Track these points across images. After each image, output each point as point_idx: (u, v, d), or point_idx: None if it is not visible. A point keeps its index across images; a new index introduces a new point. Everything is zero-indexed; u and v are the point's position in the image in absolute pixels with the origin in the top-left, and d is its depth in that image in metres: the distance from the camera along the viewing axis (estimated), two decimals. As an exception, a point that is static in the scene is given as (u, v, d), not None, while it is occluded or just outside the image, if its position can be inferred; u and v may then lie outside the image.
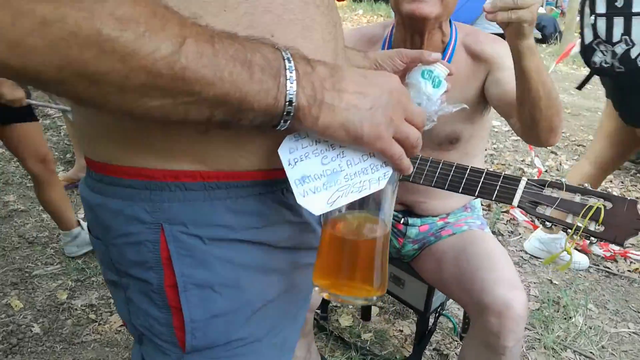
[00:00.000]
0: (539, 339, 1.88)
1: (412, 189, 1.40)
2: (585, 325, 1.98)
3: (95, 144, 0.57)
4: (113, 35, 0.38)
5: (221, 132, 0.52)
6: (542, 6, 11.62)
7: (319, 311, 1.88)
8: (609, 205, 0.96)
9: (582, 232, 0.96)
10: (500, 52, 1.27)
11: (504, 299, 1.18)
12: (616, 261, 2.45)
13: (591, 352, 1.83)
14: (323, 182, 0.53)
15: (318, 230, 0.68)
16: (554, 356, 1.80)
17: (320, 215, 0.65)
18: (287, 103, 0.47)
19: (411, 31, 1.22)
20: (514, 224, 2.71)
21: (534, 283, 2.22)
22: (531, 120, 1.11)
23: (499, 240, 2.43)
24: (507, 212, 2.80)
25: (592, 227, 0.95)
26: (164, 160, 0.53)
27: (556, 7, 11.83)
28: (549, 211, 1.01)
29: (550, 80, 1.07)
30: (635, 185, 3.38)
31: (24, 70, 0.37)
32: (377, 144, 0.52)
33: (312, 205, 0.52)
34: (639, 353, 1.87)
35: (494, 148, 3.73)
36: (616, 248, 2.52)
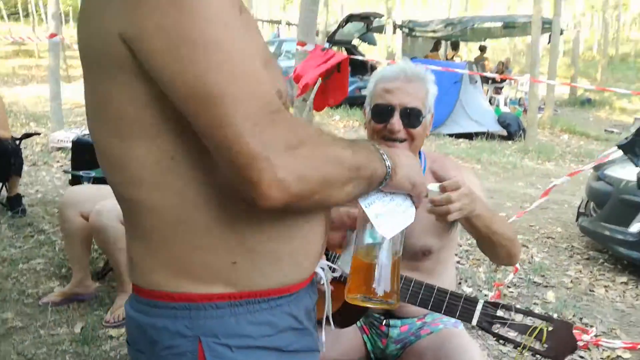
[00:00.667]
0: None
1: (391, 294, 1.58)
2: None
3: (151, 274, 0.76)
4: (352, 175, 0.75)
5: (245, 262, 0.73)
6: (506, 105, 12.49)
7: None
8: (551, 326, 1.16)
9: (528, 349, 1.14)
10: (466, 178, 1.52)
11: None
12: (589, 350, 2.60)
13: None
14: (389, 217, 0.87)
15: (314, 333, 0.87)
16: None
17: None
18: (388, 168, 0.80)
19: None
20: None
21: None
22: (490, 253, 1.35)
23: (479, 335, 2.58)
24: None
25: (537, 345, 1.14)
26: (202, 286, 0.73)
27: (519, 105, 12.71)
28: (502, 330, 1.21)
29: (501, 224, 1.31)
30: (603, 274, 3.60)
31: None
32: (416, 189, 0.88)
33: (385, 231, 0.87)
34: None
35: (469, 244, 3.96)
36: (587, 337, 2.67)
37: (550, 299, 3.11)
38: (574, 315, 2.92)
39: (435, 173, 1.53)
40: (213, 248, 0.73)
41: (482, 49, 13.87)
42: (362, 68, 10.92)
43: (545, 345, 1.12)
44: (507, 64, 13.56)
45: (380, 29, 15.00)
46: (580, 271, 3.64)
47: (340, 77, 3.67)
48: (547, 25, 10.06)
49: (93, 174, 3.09)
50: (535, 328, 1.13)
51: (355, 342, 1.66)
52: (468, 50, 21.98)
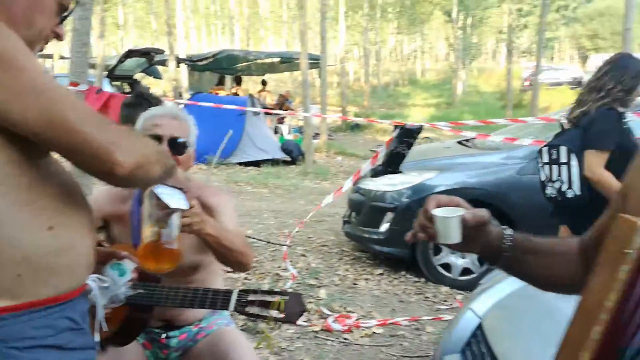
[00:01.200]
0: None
1: (168, 307, 1.82)
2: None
3: None
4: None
5: (28, 275, 0.92)
6: (289, 133, 13.60)
7: None
8: (286, 299, 1.54)
9: (272, 319, 1.51)
10: (221, 201, 1.84)
11: None
12: (352, 332, 3.16)
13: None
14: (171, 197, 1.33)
15: (89, 332, 1.09)
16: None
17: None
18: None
19: None
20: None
21: (290, 350, 2.76)
22: (221, 262, 1.71)
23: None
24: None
25: (277, 314, 1.51)
26: None
27: (300, 133, 13.91)
28: (253, 310, 1.55)
29: (232, 240, 1.64)
30: (365, 270, 4.32)
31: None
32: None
33: (170, 202, 1.36)
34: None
35: (256, 260, 4.36)
36: (350, 322, 3.25)
37: (322, 296, 3.66)
38: (340, 306, 3.50)
39: (199, 198, 1.84)
40: (1, 265, 0.91)
41: (264, 83, 14.94)
42: (148, 102, 10.85)
43: (283, 314, 1.49)
44: (286, 96, 14.78)
45: (164, 63, 15.03)
46: (348, 270, 4.32)
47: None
48: (316, 61, 11.38)
49: None
50: (275, 302, 1.49)
51: (137, 357, 1.85)
52: (253, 83, 23.27)
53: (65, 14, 1.08)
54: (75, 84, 3.80)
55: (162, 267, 1.49)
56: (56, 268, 0.98)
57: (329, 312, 3.36)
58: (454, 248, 0.92)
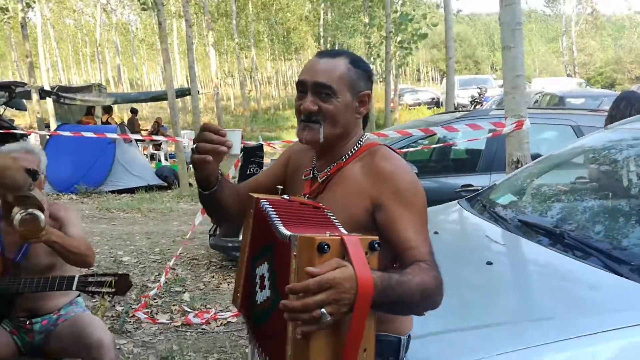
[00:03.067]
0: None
1: (30, 297, 2.19)
2: (186, 364, 3.03)
3: None
4: None
5: None
6: (167, 159, 13.72)
7: None
8: (116, 278, 2.02)
9: (105, 294, 1.98)
10: (68, 215, 2.27)
11: (99, 337, 2.10)
12: (209, 323, 3.65)
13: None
14: None
15: None
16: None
17: None
18: None
19: None
20: (139, 322, 3.66)
21: (152, 342, 3.18)
22: (67, 261, 2.14)
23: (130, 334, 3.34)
24: (133, 316, 3.74)
25: (110, 290, 1.98)
26: None
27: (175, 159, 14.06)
28: (91, 288, 2.01)
29: (75, 244, 2.08)
30: (229, 275, 4.82)
31: None
32: None
33: None
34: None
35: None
36: (208, 316, 3.73)
37: (186, 299, 4.11)
38: (201, 305, 3.97)
39: (50, 212, 2.26)
40: None
41: (133, 111, 14.99)
42: (12, 138, 10.47)
43: (114, 289, 1.98)
44: (160, 123, 14.90)
45: (27, 95, 14.44)
46: (213, 277, 4.80)
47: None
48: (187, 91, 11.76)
49: None
50: (108, 281, 1.97)
51: (5, 342, 2.20)
52: (126, 111, 22.84)
53: None
54: None
55: None
56: None
57: (189, 310, 3.83)
58: (201, 162, 1.27)
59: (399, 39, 12.18)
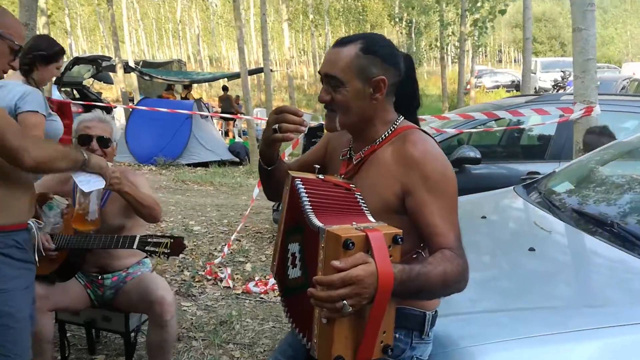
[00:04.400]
0: (212, 340, 3.04)
1: (102, 255, 2.44)
2: (243, 328, 3.23)
3: None
4: None
5: None
6: (240, 136, 14.20)
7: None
8: (172, 240, 2.19)
9: (162, 253, 2.16)
10: (139, 179, 2.49)
11: (161, 295, 2.31)
12: (267, 293, 3.84)
13: (243, 342, 3.07)
14: (86, 182, 1.87)
15: (30, 252, 1.76)
16: (220, 347, 2.98)
17: None
18: (85, 158, 1.81)
19: None
20: (203, 287, 3.92)
21: (214, 307, 3.41)
22: (139, 215, 2.34)
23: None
24: (199, 281, 4.01)
25: (165, 250, 2.16)
26: None
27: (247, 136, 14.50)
28: (149, 248, 2.19)
29: (145, 198, 2.28)
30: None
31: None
32: (103, 171, 1.92)
33: (84, 187, 1.89)
34: (274, 340, 3.17)
35: (194, 244, 4.99)
36: (267, 287, 3.93)
37: (248, 269, 4.33)
38: (262, 276, 4.17)
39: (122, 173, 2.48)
40: None
41: (225, 89, 15.55)
42: (97, 109, 11.25)
43: (169, 250, 2.15)
44: (237, 101, 15.39)
45: (113, 69, 15.38)
46: (274, 250, 5.00)
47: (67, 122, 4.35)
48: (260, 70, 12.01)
49: None
50: (164, 242, 2.15)
51: (80, 294, 2.47)
52: (209, 87, 23.74)
53: (17, 50, 1.72)
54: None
55: (86, 229, 2.18)
56: (6, 208, 1.65)
57: (251, 280, 4.04)
58: (280, 140, 1.37)
59: (475, 16, 11.71)
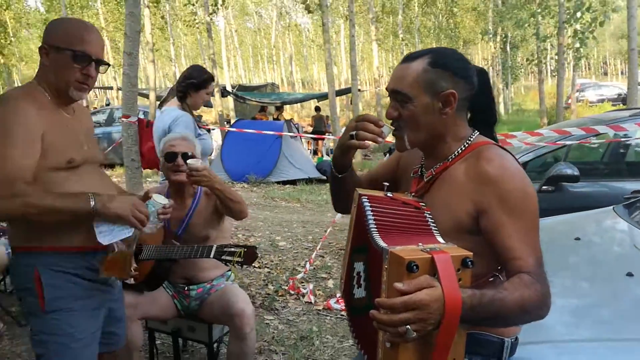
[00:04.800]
0: (291, 355, 3.05)
1: (188, 267, 2.55)
2: (322, 345, 3.22)
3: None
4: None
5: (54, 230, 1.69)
6: (327, 154, 14.42)
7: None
8: (245, 249, 2.23)
9: (235, 262, 2.20)
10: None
11: (241, 308, 2.37)
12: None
13: (322, 359, 3.05)
14: (109, 233, 1.71)
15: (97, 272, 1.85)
16: (300, 363, 2.98)
17: None
18: (93, 206, 1.63)
19: None
20: (285, 302, 3.97)
21: (295, 322, 3.44)
22: (227, 212, 2.42)
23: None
24: (282, 295, 4.07)
25: (239, 259, 2.19)
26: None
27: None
28: (225, 257, 2.25)
29: (234, 194, 2.36)
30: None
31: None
32: (123, 220, 1.70)
33: (102, 240, 1.71)
34: (352, 356, 3.13)
35: (279, 259, 5.09)
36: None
37: (329, 285, 4.33)
38: (340, 292, 4.14)
39: (206, 193, 2.58)
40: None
41: (317, 109, 15.99)
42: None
43: (242, 259, 2.19)
44: (326, 121, 15.68)
45: (212, 93, 16.30)
46: (358, 268, 4.96)
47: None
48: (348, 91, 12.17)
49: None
50: (238, 252, 2.19)
51: (168, 303, 2.59)
52: (300, 108, 24.42)
53: (83, 56, 1.69)
54: (127, 117, 4.71)
55: (119, 276, 1.93)
56: (82, 230, 1.73)
57: (332, 296, 4.03)
58: (356, 147, 1.35)
59: (576, 27, 10.99)
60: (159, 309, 2.54)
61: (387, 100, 1.40)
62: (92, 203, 1.63)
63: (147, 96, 15.60)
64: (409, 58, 1.30)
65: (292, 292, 4.09)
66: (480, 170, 1.21)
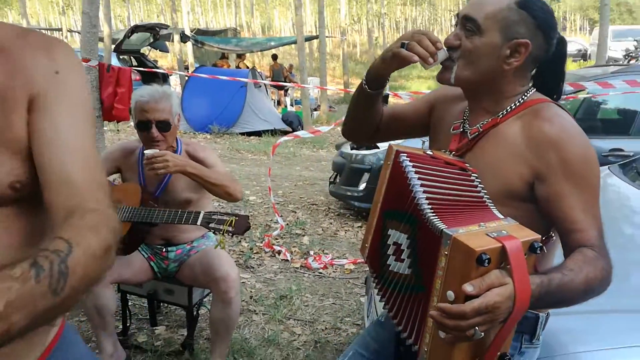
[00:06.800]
0: (272, 315, 2.96)
1: (167, 227, 2.37)
2: (303, 304, 3.14)
3: None
4: None
5: None
6: (292, 105, 14.10)
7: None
8: (236, 218, 2.07)
9: (225, 231, 2.03)
10: (207, 154, 2.38)
11: (226, 271, 2.22)
12: (327, 268, 3.74)
13: (304, 318, 2.98)
14: None
15: None
16: (281, 322, 2.90)
17: None
18: None
19: None
20: (261, 259, 3.86)
21: (273, 280, 3.34)
22: (213, 194, 2.22)
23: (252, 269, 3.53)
24: (257, 252, 3.95)
25: (230, 228, 2.03)
26: None
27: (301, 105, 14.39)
28: (213, 225, 2.08)
29: (217, 176, 2.16)
30: (347, 223, 4.88)
31: None
32: None
33: None
34: (335, 317, 3.07)
35: (251, 214, 4.94)
36: (326, 260, 3.82)
37: (305, 242, 4.23)
38: (319, 250, 4.07)
39: (188, 152, 2.38)
40: None
41: (274, 57, 15.41)
42: (155, 77, 11.38)
43: (233, 228, 2.03)
44: (290, 69, 15.23)
45: (168, 37, 15.48)
46: (331, 223, 4.88)
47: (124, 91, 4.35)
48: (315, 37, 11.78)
49: None
50: (228, 220, 2.03)
51: (143, 266, 2.42)
52: (261, 55, 23.66)
53: None
54: (86, 60, 4.33)
55: None
56: None
57: (309, 254, 3.94)
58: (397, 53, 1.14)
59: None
60: (132, 272, 2.37)
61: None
62: None
63: (101, 39, 14.66)
64: None
65: (267, 250, 3.97)
66: (539, 131, 1.06)
